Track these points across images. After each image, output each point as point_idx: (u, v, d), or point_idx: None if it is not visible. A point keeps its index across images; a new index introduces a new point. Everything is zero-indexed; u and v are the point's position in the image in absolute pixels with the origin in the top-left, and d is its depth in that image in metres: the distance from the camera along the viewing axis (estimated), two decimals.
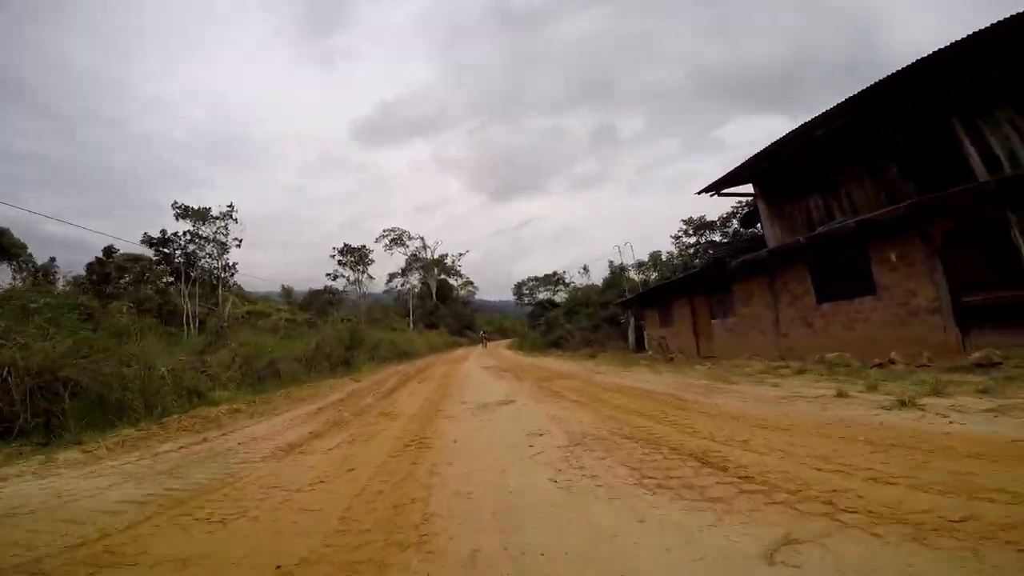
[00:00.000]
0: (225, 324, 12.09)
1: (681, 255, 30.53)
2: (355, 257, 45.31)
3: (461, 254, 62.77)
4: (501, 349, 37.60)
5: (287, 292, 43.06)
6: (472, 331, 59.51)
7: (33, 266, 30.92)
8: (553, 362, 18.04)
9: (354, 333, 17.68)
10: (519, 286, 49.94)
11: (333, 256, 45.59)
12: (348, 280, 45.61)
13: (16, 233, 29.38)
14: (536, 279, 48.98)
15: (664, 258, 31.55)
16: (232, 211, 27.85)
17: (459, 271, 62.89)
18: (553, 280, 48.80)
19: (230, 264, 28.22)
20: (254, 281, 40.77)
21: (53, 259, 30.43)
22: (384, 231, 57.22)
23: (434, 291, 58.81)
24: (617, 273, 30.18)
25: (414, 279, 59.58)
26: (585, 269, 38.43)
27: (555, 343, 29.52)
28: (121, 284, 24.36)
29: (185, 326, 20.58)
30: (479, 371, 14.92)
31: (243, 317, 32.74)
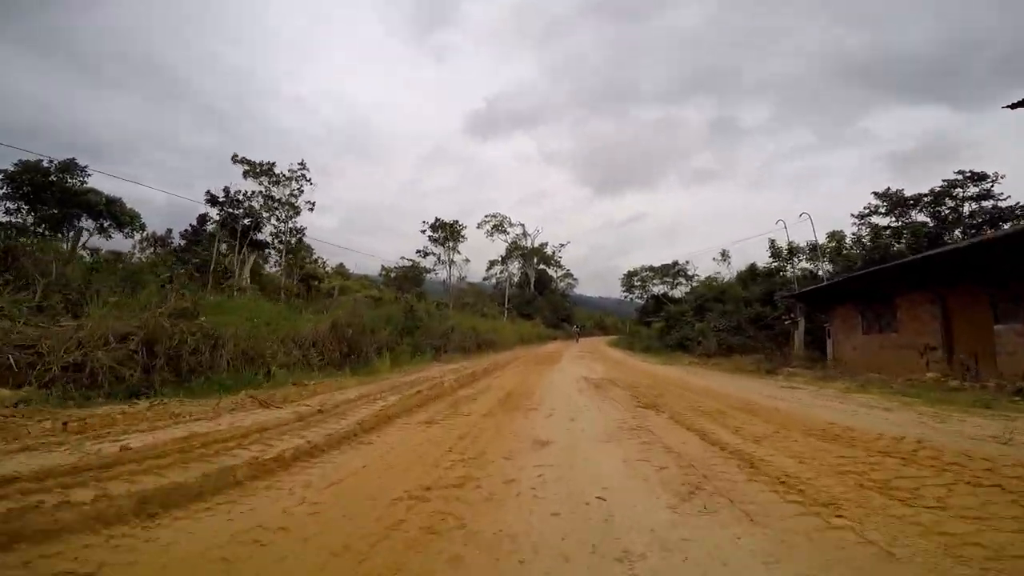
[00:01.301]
0: (173, 280, 8.10)
1: (878, 238, 21.30)
2: (446, 232, 40.71)
3: (562, 245, 57.36)
4: (603, 347, 31.27)
5: (386, 273, 41.37)
6: (569, 324, 55.32)
7: (153, 234, 32.44)
8: (713, 379, 11.16)
9: (410, 312, 13.03)
10: (629, 276, 42.51)
11: (424, 231, 41.65)
12: (438, 258, 40.92)
13: (129, 203, 30.53)
14: (651, 269, 41.28)
15: (848, 243, 22.42)
16: (303, 170, 25.16)
17: (559, 262, 57.65)
18: (672, 271, 40.69)
19: (298, 228, 25.50)
20: (365, 260, 39.47)
21: (170, 230, 31.66)
22: (486, 216, 53.69)
23: (532, 280, 54.47)
24: (782, 256, 21.85)
25: (514, 267, 55.86)
26: (723, 256, 29.95)
27: (680, 345, 22.51)
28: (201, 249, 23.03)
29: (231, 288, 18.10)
30: (574, 390, 8.69)
31: (330, 292, 30.86)
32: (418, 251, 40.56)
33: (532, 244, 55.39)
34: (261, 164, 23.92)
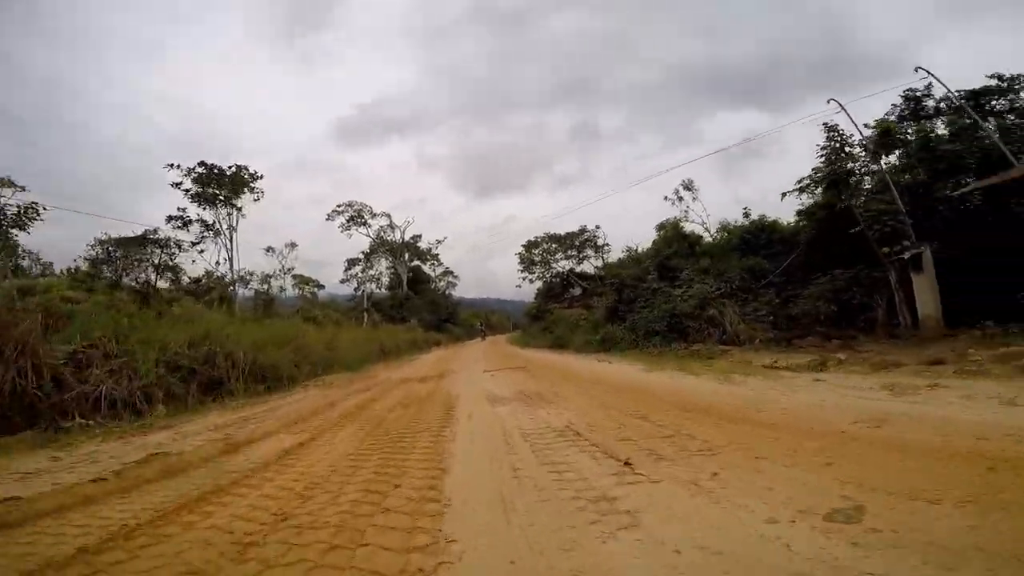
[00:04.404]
0: None
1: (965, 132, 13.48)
2: (222, 187, 22.73)
3: (439, 240, 46.16)
4: (519, 350, 20.74)
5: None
6: (454, 324, 45.55)
7: None
8: None
9: None
10: (529, 247, 32.27)
11: (179, 184, 22.38)
12: (209, 227, 22.82)
13: None
14: (556, 238, 31.64)
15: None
16: None
17: (437, 257, 46.31)
18: (578, 241, 31.68)
19: None
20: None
21: None
22: (338, 205, 39.54)
23: (405, 279, 42.16)
24: (845, 150, 11.84)
25: (381, 266, 43.03)
26: (681, 193, 20.34)
27: (675, 329, 12.60)
28: None
29: None
30: None
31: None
32: (170, 218, 22.13)
33: (402, 238, 43.02)
34: None
